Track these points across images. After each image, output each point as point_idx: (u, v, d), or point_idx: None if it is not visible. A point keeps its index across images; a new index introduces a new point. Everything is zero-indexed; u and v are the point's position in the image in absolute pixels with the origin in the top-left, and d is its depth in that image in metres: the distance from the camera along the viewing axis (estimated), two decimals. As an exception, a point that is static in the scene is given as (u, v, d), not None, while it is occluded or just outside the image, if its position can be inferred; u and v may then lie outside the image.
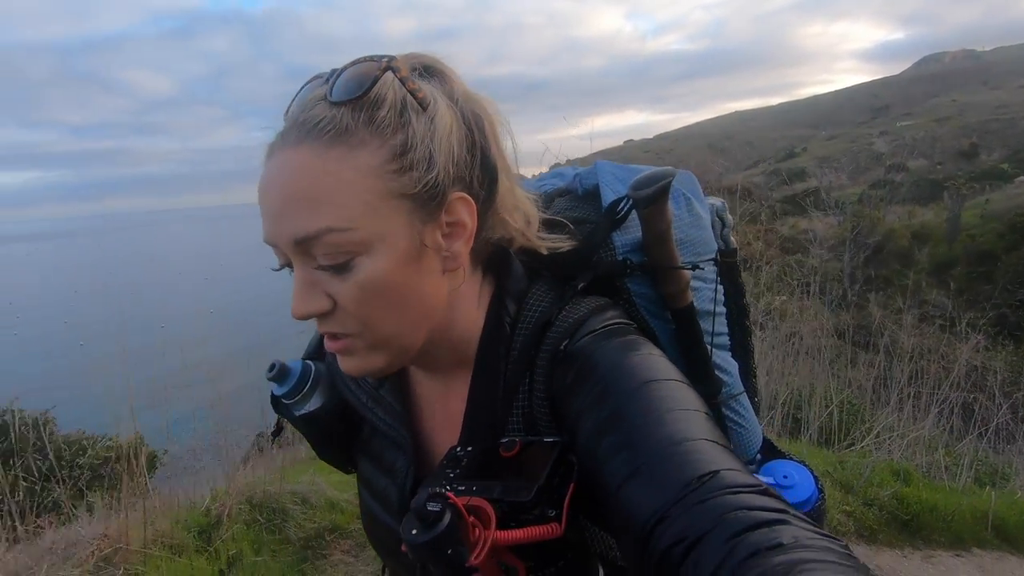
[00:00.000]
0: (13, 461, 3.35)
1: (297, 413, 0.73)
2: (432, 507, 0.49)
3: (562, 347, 0.60)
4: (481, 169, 0.60)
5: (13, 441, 3.84)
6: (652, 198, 0.65)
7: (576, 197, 0.76)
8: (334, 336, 0.59)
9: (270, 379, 0.72)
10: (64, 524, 2.91)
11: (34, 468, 3.38)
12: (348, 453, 0.78)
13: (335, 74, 0.57)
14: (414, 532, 0.48)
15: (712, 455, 0.47)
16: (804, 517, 0.42)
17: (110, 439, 4.33)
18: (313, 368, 0.73)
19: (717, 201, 0.81)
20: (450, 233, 0.59)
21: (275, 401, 0.75)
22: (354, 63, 0.57)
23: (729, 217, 0.82)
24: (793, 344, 5.31)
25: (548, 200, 0.75)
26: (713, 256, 0.74)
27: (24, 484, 3.18)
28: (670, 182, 0.66)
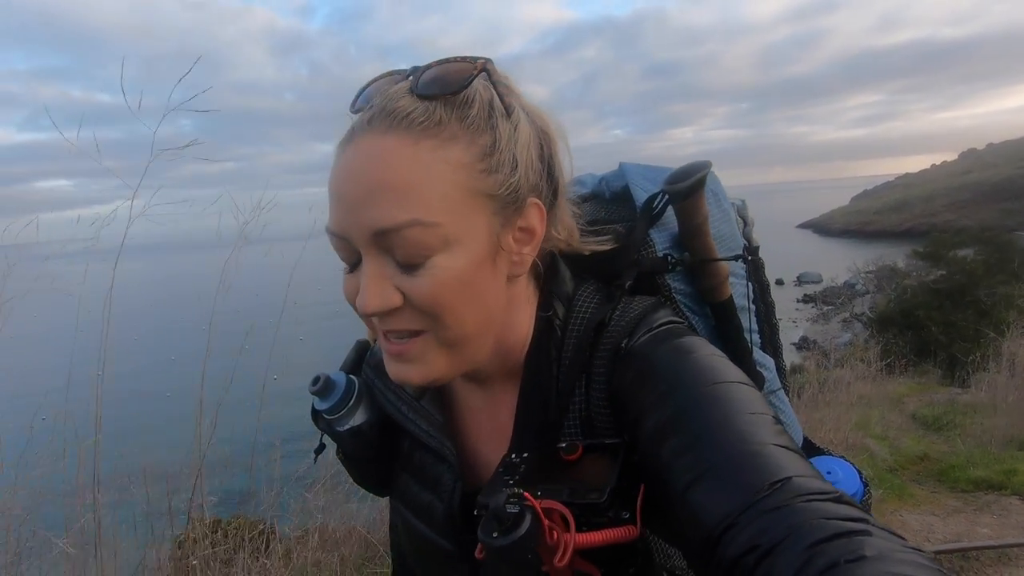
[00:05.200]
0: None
1: (341, 428, 0.71)
2: (511, 509, 0.48)
3: (623, 345, 0.60)
4: (549, 180, 0.62)
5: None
6: (689, 191, 0.67)
7: (604, 201, 0.76)
8: (399, 336, 0.58)
9: (313, 393, 0.70)
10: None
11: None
12: (389, 472, 0.77)
13: (419, 70, 0.57)
14: (494, 535, 0.47)
15: (783, 460, 0.46)
16: (888, 528, 0.40)
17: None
18: (356, 382, 0.72)
19: (736, 200, 0.81)
20: (521, 238, 0.60)
21: (316, 416, 0.73)
22: (443, 62, 0.57)
23: (750, 215, 0.83)
24: None
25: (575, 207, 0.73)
26: (742, 252, 0.74)
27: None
28: (706, 174, 0.67)
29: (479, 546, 0.49)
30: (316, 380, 0.70)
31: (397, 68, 0.60)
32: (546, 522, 0.49)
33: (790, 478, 0.44)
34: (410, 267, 0.55)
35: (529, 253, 0.61)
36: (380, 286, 0.55)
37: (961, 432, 5.30)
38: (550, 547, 0.48)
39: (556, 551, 0.48)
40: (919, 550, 0.38)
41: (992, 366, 6.10)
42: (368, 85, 0.61)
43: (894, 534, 0.40)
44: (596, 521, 0.50)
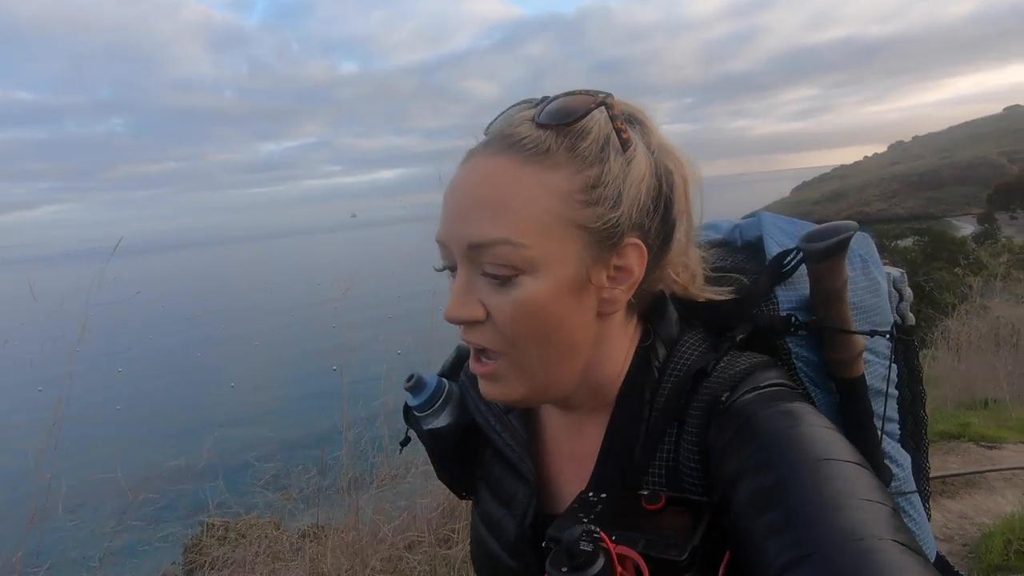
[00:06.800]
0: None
1: (424, 427, 0.75)
2: (585, 546, 0.46)
3: (723, 399, 0.56)
4: (661, 222, 0.60)
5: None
6: (828, 252, 0.63)
7: (734, 249, 0.74)
8: (480, 356, 0.60)
9: (407, 389, 0.75)
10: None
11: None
12: (468, 477, 0.79)
13: (546, 100, 0.60)
14: (564, 570, 0.46)
15: (903, 563, 0.39)
16: None
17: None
18: (447, 385, 0.75)
19: (895, 271, 0.74)
20: (616, 277, 0.59)
21: (407, 411, 0.78)
22: (568, 94, 0.59)
23: (908, 290, 0.75)
24: None
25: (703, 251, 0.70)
26: (890, 329, 0.68)
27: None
28: (851, 236, 0.63)
29: None
30: (410, 377, 0.75)
31: (531, 97, 0.63)
32: (619, 569, 0.47)
33: None
34: (496, 284, 0.56)
35: (623, 293, 0.60)
36: (465, 297, 0.58)
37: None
38: None
39: None
40: None
41: (941, 343, 7.07)
42: (507, 109, 0.64)
43: None
44: None
